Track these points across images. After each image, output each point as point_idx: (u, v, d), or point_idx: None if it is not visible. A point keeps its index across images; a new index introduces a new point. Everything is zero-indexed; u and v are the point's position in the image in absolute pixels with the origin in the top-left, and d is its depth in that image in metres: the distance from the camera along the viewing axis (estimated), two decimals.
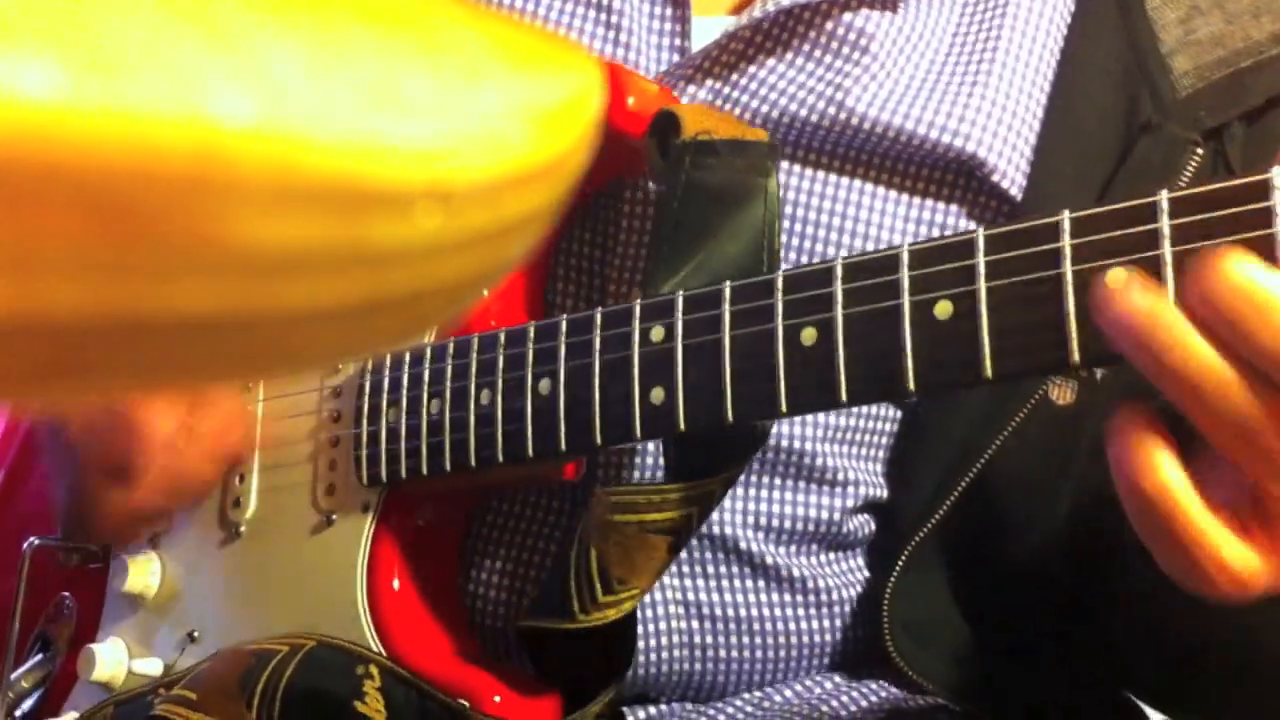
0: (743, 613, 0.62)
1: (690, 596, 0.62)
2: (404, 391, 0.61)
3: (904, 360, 0.44)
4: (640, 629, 0.61)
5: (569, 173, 0.22)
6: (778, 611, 0.62)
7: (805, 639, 0.63)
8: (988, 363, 0.42)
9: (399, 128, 0.19)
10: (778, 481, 0.63)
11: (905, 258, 0.45)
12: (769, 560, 0.62)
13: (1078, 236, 0.41)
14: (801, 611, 0.63)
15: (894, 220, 0.63)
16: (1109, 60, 0.64)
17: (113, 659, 0.69)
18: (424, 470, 0.60)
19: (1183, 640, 0.51)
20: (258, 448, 0.68)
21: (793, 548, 0.63)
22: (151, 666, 0.68)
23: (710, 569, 0.62)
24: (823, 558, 0.64)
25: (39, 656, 0.73)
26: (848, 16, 0.64)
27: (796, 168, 0.63)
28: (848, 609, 0.64)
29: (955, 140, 0.61)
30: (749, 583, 0.62)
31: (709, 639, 0.62)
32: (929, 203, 0.63)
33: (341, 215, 0.19)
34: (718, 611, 0.62)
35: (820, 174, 0.63)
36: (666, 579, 0.61)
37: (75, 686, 0.71)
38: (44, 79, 0.16)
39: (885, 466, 0.65)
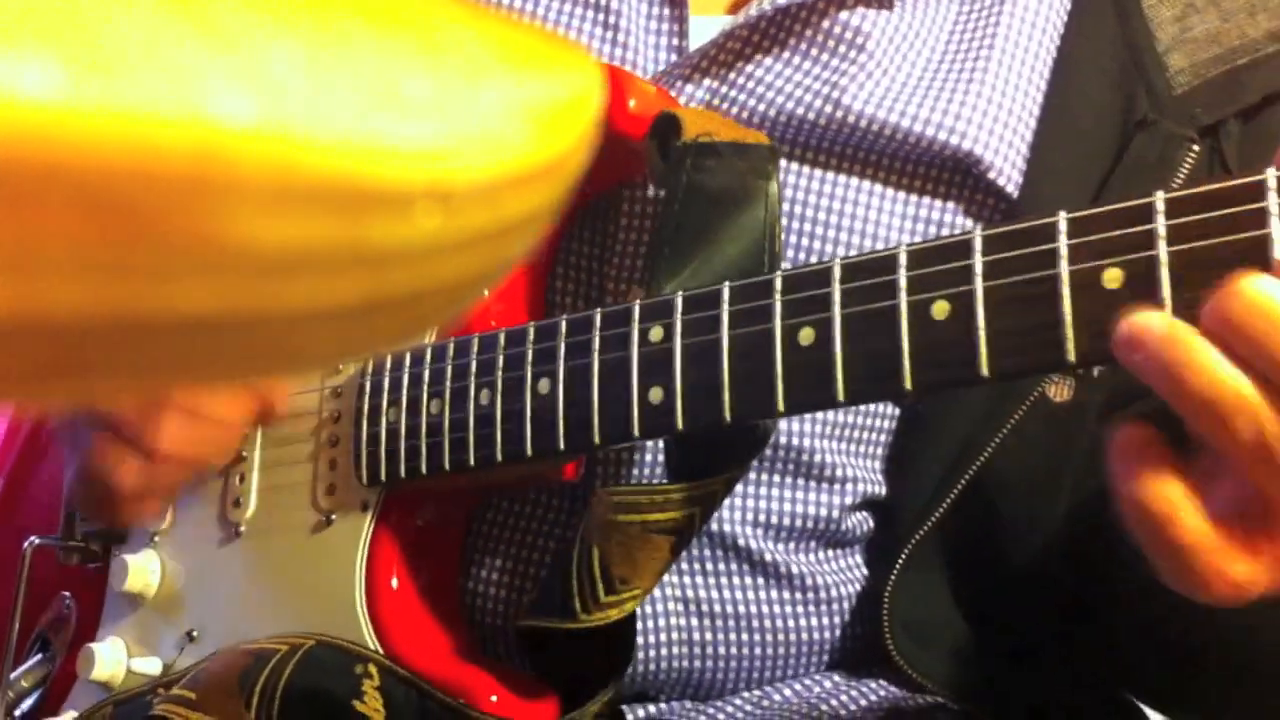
0: (741, 610, 0.62)
1: (689, 594, 0.62)
2: (404, 391, 0.61)
3: (901, 360, 0.44)
4: (640, 626, 0.61)
5: (569, 173, 0.22)
6: (777, 609, 0.63)
7: (804, 636, 0.63)
8: (984, 362, 0.43)
9: (399, 128, 0.19)
10: (776, 479, 0.63)
11: (903, 258, 0.45)
12: (768, 557, 0.62)
13: (1074, 237, 0.41)
14: (800, 609, 0.63)
15: (891, 218, 0.63)
16: (1105, 58, 0.64)
17: (112, 658, 0.69)
18: (423, 470, 0.60)
19: (1183, 640, 0.51)
20: (258, 446, 0.68)
21: (791, 545, 0.63)
22: (151, 666, 0.68)
23: (709, 566, 0.62)
24: (821, 555, 0.64)
25: (38, 656, 0.73)
26: (844, 15, 0.64)
27: (794, 166, 0.63)
28: (846, 606, 0.64)
29: (952, 138, 0.61)
30: (748, 580, 0.62)
31: (708, 636, 0.62)
32: (926, 200, 0.63)
33: (341, 215, 0.19)
34: (717, 608, 0.62)
35: (818, 172, 0.63)
36: (666, 576, 0.61)
37: (74, 686, 0.71)
38: (44, 79, 0.16)
39: (884, 464, 0.65)
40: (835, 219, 0.63)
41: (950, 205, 0.63)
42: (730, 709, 0.62)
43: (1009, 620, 0.62)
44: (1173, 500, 0.38)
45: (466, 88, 0.20)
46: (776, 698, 0.63)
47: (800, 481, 0.63)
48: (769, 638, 0.62)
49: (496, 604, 0.64)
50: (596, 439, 0.52)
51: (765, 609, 0.62)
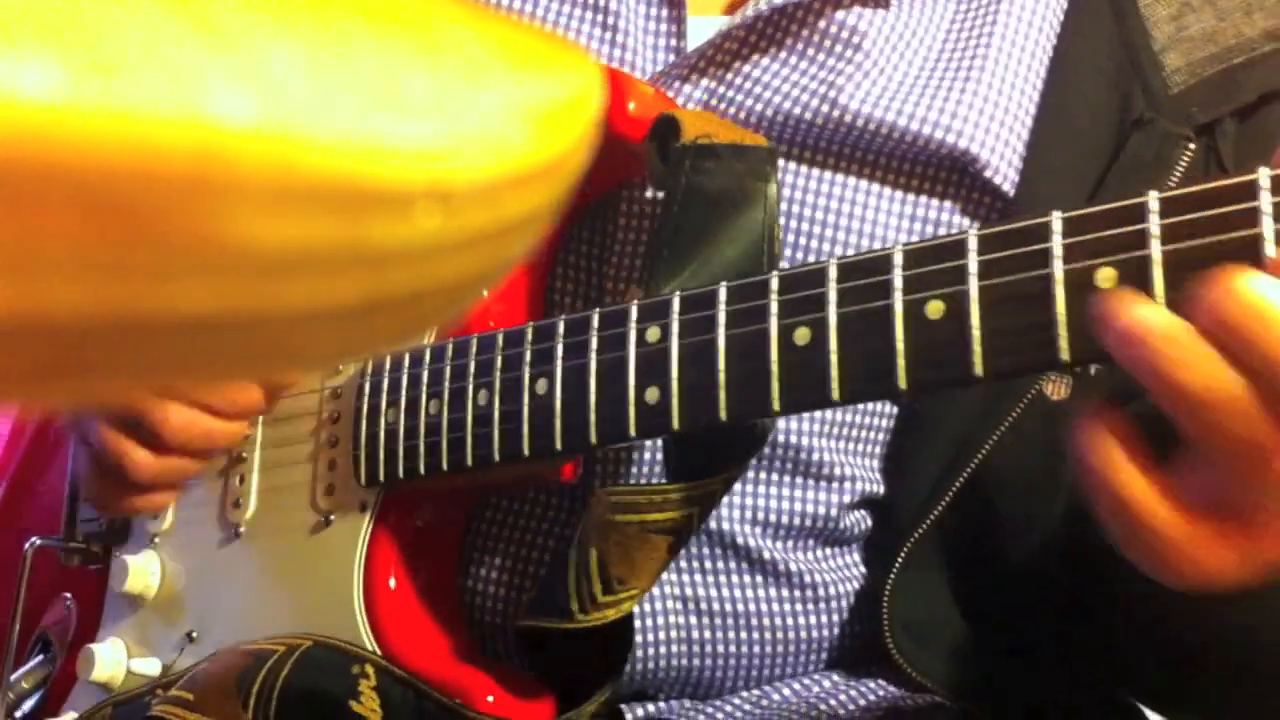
0: (740, 607, 0.62)
1: (688, 592, 0.62)
2: (403, 392, 0.61)
3: (896, 360, 0.44)
4: (638, 624, 0.61)
5: (569, 173, 0.22)
6: (775, 606, 0.63)
7: (803, 634, 0.63)
8: (978, 362, 0.43)
9: (399, 128, 0.19)
10: (775, 477, 0.63)
11: (898, 258, 0.45)
12: (766, 555, 0.62)
13: (1068, 236, 0.41)
14: (799, 606, 0.63)
15: (888, 216, 0.63)
16: (1101, 57, 0.64)
17: (112, 659, 0.69)
18: (421, 470, 0.60)
19: (1182, 640, 0.51)
20: (258, 447, 0.68)
21: (790, 543, 0.63)
22: (150, 666, 0.68)
23: (708, 564, 0.62)
24: (819, 553, 0.64)
25: (39, 657, 0.73)
26: (840, 14, 0.64)
27: (792, 165, 0.63)
28: (845, 604, 0.64)
29: (949, 137, 0.61)
30: (746, 578, 0.62)
31: (707, 634, 0.62)
32: (923, 199, 0.63)
33: (341, 215, 0.19)
34: (715, 606, 0.62)
35: (815, 171, 0.63)
36: (664, 574, 0.62)
37: (75, 687, 0.71)
38: (44, 79, 0.16)
39: (882, 463, 0.65)
40: (833, 218, 0.63)
41: (947, 204, 0.63)
42: (729, 708, 0.62)
43: (1007, 619, 0.62)
44: (1132, 482, 0.39)
45: (466, 88, 0.20)
46: (775, 697, 0.63)
47: (799, 480, 0.63)
48: (767, 635, 0.62)
49: (495, 604, 0.64)
50: (593, 439, 0.53)
51: (764, 607, 0.62)
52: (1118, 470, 0.39)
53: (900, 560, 0.60)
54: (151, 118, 0.17)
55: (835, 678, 0.64)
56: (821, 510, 0.63)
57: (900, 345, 0.44)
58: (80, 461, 0.65)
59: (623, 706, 0.63)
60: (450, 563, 0.65)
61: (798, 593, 0.63)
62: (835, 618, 0.64)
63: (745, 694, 0.63)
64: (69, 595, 0.75)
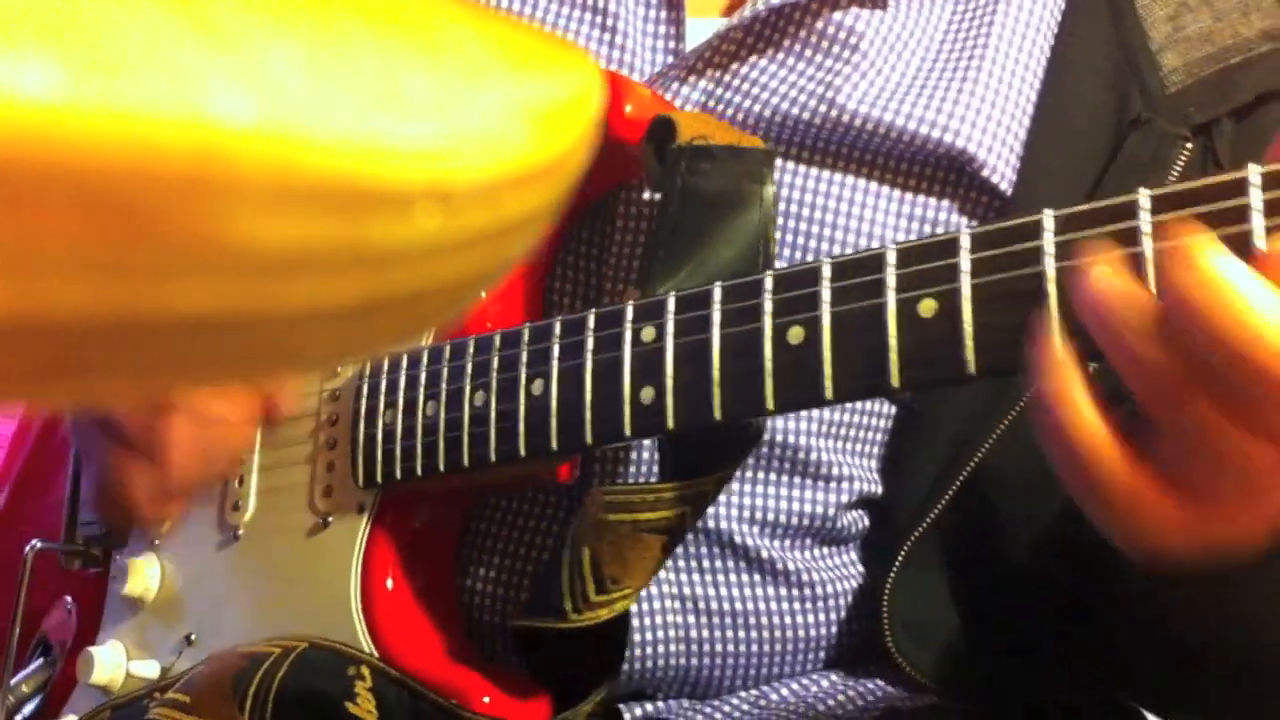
0: (738, 606, 0.62)
1: (685, 590, 0.62)
2: (400, 394, 0.61)
3: (889, 357, 0.44)
4: (636, 623, 0.61)
5: (569, 173, 0.22)
6: (773, 605, 0.63)
7: (800, 633, 0.63)
8: (971, 359, 0.43)
9: (399, 128, 0.19)
10: (773, 476, 0.63)
11: (891, 257, 0.45)
12: (764, 554, 0.62)
13: (1060, 234, 0.42)
14: (797, 605, 0.63)
15: (886, 216, 0.63)
16: (1099, 57, 0.65)
17: (111, 662, 0.69)
18: (418, 471, 0.60)
19: (1183, 640, 0.51)
20: (257, 450, 0.68)
21: (787, 542, 0.63)
22: (149, 669, 0.68)
23: (705, 563, 0.62)
24: (816, 552, 0.64)
25: (39, 661, 0.73)
26: (837, 15, 0.64)
27: (790, 165, 0.63)
28: (843, 603, 0.64)
29: (946, 136, 0.62)
30: (744, 576, 0.63)
31: (704, 633, 0.62)
32: (921, 198, 0.63)
33: (341, 215, 0.19)
34: (713, 605, 0.62)
35: (813, 171, 0.63)
36: (662, 573, 0.62)
37: (74, 690, 0.71)
38: (44, 79, 0.16)
39: (880, 463, 0.66)
40: (831, 217, 0.63)
41: (945, 203, 0.64)
42: (727, 708, 0.62)
43: (1007, 619, 0.62)
44: (1096, 424, 0.39)
45: (466, 88, 0.20)
46: (774, 697, 0.63)
47: (796, 480, 0.63)
48: (765, 634, 0.63)
49: (493, 603, 0.64)
50: (589, 439, 0.53)
51: (761, 605, 0.63)
52: (1076, 407, 0.39)
53: (899, 560, 0.60)
54: (152, 118, 0.17)
55: (834, 677, 0.64)
56: (819, 510, 0.63)
57: (893, 343, 0.44)
58: (88, 481, 0.65)
59: (621, 706, 0.63)
60: (448, 564, 0.65)
61: (795, 591, 0.63)
62: (833, 616, 0.64)
63: (744, 694, 0.63)
64: (70, 598, 0.75)
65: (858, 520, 0.65)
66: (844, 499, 0.64)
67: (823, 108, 0.62)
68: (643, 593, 0.61)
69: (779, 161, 0.63)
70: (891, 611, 0.60)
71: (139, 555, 0.71)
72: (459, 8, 0.21)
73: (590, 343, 0.53)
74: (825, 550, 0.65)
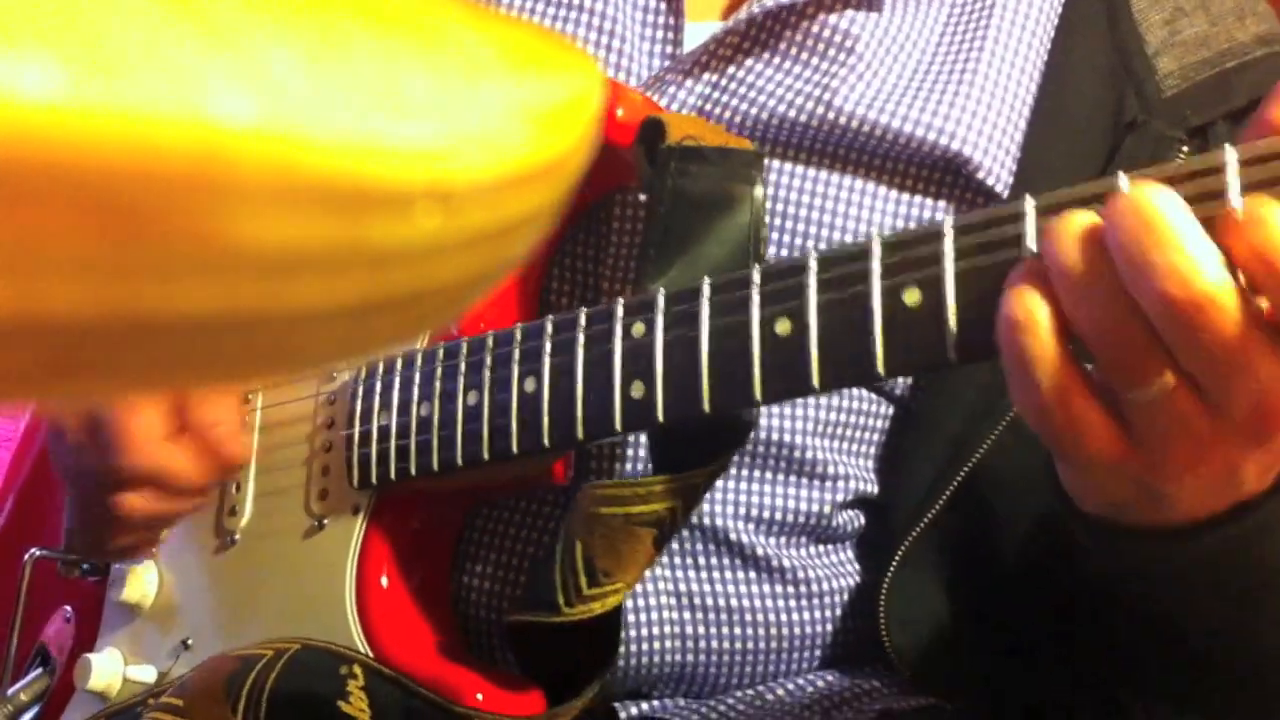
0: (734, 603, 0.62)
1: (681, 587, 0.62)
2: (395, 395, 0.61)
3: (873, 345, 0.45)
4: (632, 619, 0.61)
5: (569, 173, 0.22)
6: (769, 602, 0.63)
7: (796, 630, 0.63)
8: (953, 344, 0.43)
9: (399, 127, 0.19)
10: (769, 475, 0.63)
11: (876, 248, 0.45)
12: (759, 551, 0.63)
13: (1042, 219, 0.42)
14: (792, 603, 0.63)
15: (882, 217, 0.63)
16: (1095, 60, 0.65)
17: (108, 668, 0.68)
18: (412, 470, 0.60)
19: (1186, 642, 0.51)
20: (254, 455, 0.69)
21: (782, 539, 0.64)
22: (146, 674, 0.68)
23: (701, 560, 0.63)
24: (812, 550, 0.65)
25: (38, 670, 0.73)
26: (833, 18, 0.64)
27: (787, 166, 0.64)
28: (838, 600, 0.64)
29: (941, 138, 0.62)
30: (739, 573, 0.63)
31: (700, 629, 0.62)
32: (916, 199, 0.64)
33: (341, 215, 0.19)
34: (709, 602, 0.62)
35: (809, 172, 0.63)
36: (657, 570, 0.62)
37: (72, 697, 0.71)
38: (44, 79, 0.16)
39: (877, 462, 0.66)
40: (827, 218, 0.63)
41: (940, 205, 0.64)
42: (724, 708, 0.62)
43: (1004, 619, 0.62)
44: (1051, 340, 0.39)
45: (467, 87, 0.20)
46: (770, 697, 0.63)
47: (792, 478, 0.63)
48: (761, 631, 0.63)
49: (490, 601, 0.64)
50: (580, 434, 0.53)
51: (757, 603, 0.63)
52: (1037, 322, 0.39)
53: (897, 559, 0.60)
54: (152, 118, 0.17)
55: (831, 677, 0.64)
56: (815, 508, 0.63)
57: (878, 331, 0.45)
58: (66, 514, 0.66)
59: (616, 705, 0.63)
60: (444, 565, 0.65)
61: (790, 589, 0.63)
62: (829, 614, 0.64)
63: (740, 693, 0.63)
64: (69, 608, 0.75)
65: (854, 519, 0.66)
66: (840, 498, 0.64)
67: (818, 109, 0.62)
68: (638, 589, 0.61)
69: (774, 163, 0.63)
70: (889, 611, 0.60)
71: (137, 563, 0.71)
72: (459, 8, 0.21)
73: (581, 339, 0.53)
74: (821, 548, 0.65)
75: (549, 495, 0.64)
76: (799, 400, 0.63)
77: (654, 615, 0.62)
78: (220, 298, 0.19)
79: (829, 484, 0.64)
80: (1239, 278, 0.37)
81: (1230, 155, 0.38)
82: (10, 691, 0.71)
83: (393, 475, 0.61)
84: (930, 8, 0.67)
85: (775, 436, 0.63)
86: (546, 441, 0.54)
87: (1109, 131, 0.63)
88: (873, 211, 0.63)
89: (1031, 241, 0.42)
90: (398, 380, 0.61)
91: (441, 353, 0.59)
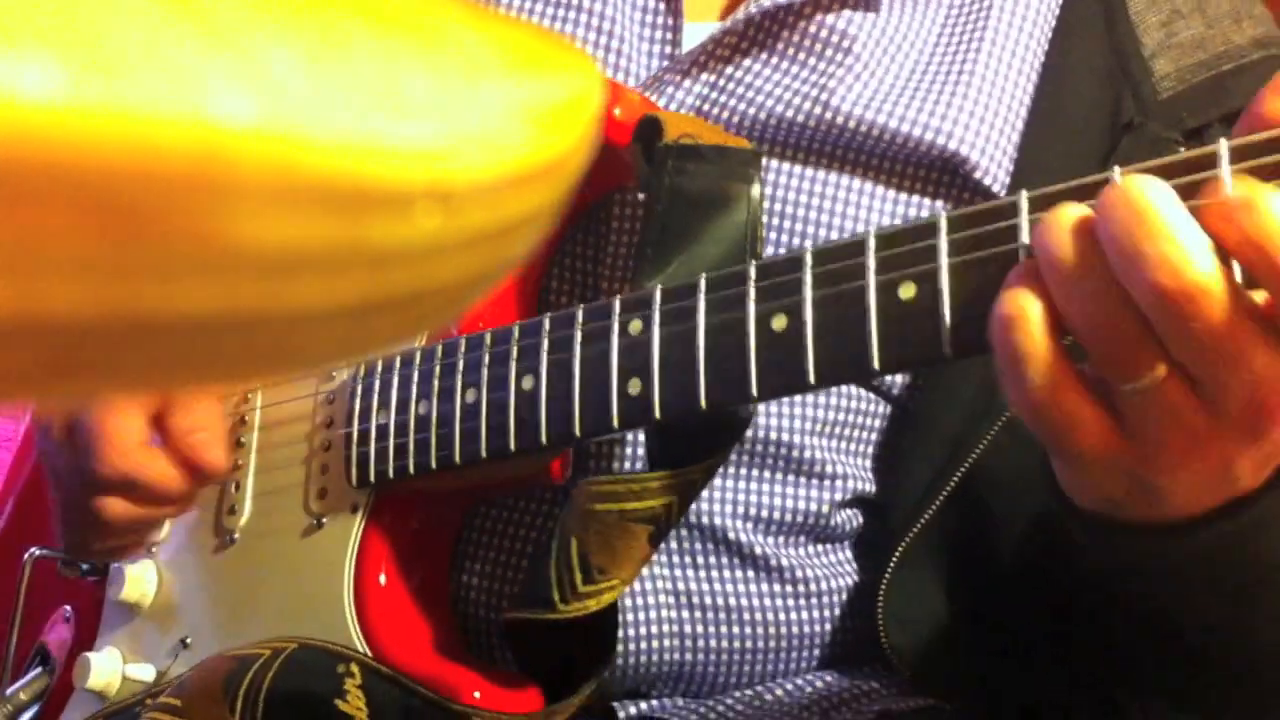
0: (732, 602, 0.62)
1: (680, 586, 0.62)
2: (394, 393, 0.61)
3: (869, 340, 0.45)
4: (630, 618, 0.61)
5: (569, 173, 0.22)
6: (767, 601, 0.63)
7: (794, 629, 0.63)
8: (948, 338, 0.43)
9: (399, 127, 0.19)
10: (766, 474, 0.63)
11: (871, 243, 0.46)
12: (758, 550, 0.63)
13: (1035, 213, 0.42)
14: (790, 602, 0.63)
15: (879, 217, 0.64)
16: (1092, 62, 0.65)
17: (108, 667, 0.68)
18: (411, 469, 0.60)
19: (1183, 640, 0.51)
20: (254, 454, 0.69)
21: (780, 538, 0.64)
22: (145, 673, 0.68)
23: (699, 559, 0.63)
24: (810, 549, 0.65)
25: (38, 670, 0.73)
26: (830, 18, 0.64)
27: (785, 165, 0.64)
28: (836, 600, 0.64)
29: (939, 138, 0.62)
30: (738, 572, 0.63)
31: (699, 628, 0.62)
32: (914, 199, 0.64)
33: (341, 215, 0.19)
34: (707, 600, 0.62)
35: (806, 171, 0.64)
36: (656, 569, 0.62)
37: (71, 697, 0.71)
38: (44, 79, 0.16)
39: (874, 462, 0.66)
40: (825, 218, 0.63)
41: (938, 205, 0.64)
42: (722, 708, 0.62)
43: (1001, 619, 0.63)
44: (1043, 333, 0.39)
45: (467, 87, 0.20)
46: (769, 697, 0.63)
47: (789, 477, 0.63)
48: (759, 630, 0.63)
49: (487, 604, 0.64)
50: (577, 431, 0.53)
51: (755, 601, 0.63)
52: (1029, 318, 0.39)
53: (895, 559, 0.60)
54: (152, 118, 0.17)
55: (829, 677, 0.64)
56: (813, 507, 0.63)
57: (874, 325, 0.45)
58: (56, 509, 0.66)
59: (615, 705, 0.63)
60: (442, 564, 0.65)
61: (789, 588, 0.63)
62: (827, 613, 0.64)
63: (739, 693, 0.63)
64: (69, 607, 0.75)
65: (852, 518, 0.66)
66: (838, 497, 0.64)
67: (816, 109, 0.63)
68: (636, 588, 0.61)
69: (772, 163, 0.63)
70: (887, 610, 0.60)
71: (136, 562, 0.71)
72: (459, 8, 0.21)
73: (579, 337, 0.54)
74: (819, 548, 0.65)
75: (547, 494, 0.64)
76: (797, 399, 0.63)
77: (652, 614, 0.62)
78: (220, 298, 0.19)
79: (827, 483, 0.64)
80: (1232, 269, 0.37)
81: (1224, 147, 0.39)
82: (10, 691, 0.71)
83: (391, 474, 0.61)
84: (928, 8, 0.67)
85: (774, 436, 0.63)
86: (544, 439, 0.54)
87: (1106, 133, 0.63)
88: (870, 211, 0.64)
89: (1025, 235, 0.42)
90: (396, 379, 0.61)
91: (440, 351, 0.59)
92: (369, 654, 0.60)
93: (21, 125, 0.16)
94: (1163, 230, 0.36)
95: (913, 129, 0.62)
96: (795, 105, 0.63)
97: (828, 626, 0.64)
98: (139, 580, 0.70)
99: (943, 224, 0.44)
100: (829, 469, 0.64)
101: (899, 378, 0.64)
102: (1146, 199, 0.37)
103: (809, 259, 0.47)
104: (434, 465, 0.59)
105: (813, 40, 0.64)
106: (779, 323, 0.48)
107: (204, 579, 0.69)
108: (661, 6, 0.66)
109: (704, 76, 0.65)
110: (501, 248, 0.21)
